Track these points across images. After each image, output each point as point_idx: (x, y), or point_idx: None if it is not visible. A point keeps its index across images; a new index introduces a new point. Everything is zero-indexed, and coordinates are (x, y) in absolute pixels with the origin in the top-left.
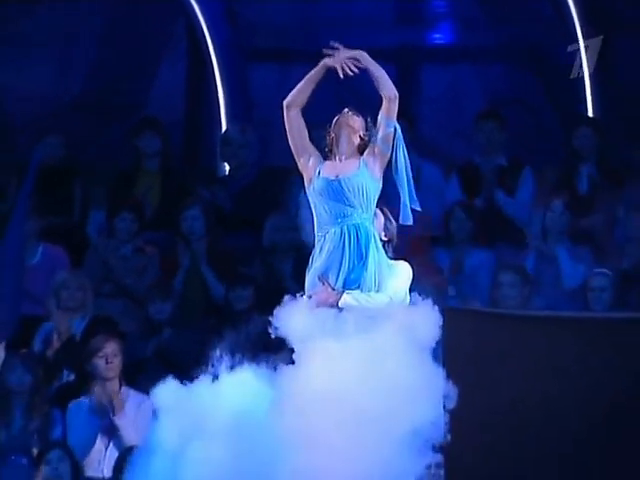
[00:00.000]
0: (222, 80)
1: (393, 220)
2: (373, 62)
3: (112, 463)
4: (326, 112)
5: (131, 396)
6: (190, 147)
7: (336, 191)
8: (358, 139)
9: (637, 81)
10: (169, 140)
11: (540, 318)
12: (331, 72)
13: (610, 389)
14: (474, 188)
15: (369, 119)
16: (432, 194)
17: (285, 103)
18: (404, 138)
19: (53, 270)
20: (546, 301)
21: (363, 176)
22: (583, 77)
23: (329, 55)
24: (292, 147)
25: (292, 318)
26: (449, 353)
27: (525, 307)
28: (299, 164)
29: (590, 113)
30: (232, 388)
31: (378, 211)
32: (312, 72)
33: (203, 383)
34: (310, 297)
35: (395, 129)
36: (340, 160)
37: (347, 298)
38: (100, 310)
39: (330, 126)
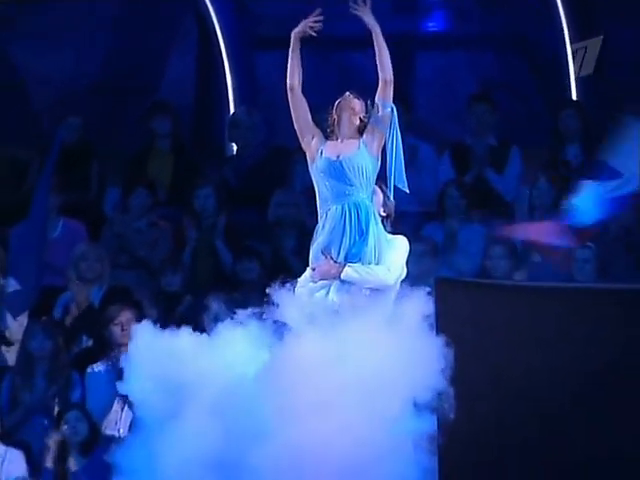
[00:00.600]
0: (230, 66)
1: (391, 196)
2: (383, 42)
3: (128, 423)
4: (328, 97)
5: None
6: (200, 128)
7: (337, 170)
8: (358, 121)
9: (618, 66)
10: (180, 122)
11: (529, 288)
12: (333, 61)
13: (594, 358)
14: (466, 166)
15: (369, 101)
16: (427, 172)
17: (288, 86)
18: (400, 120)
19: (72, 243)
20: (532, 271)
21: (363, 156)
22: (567, 63)
23: (356, 9)
24: (296, 127)
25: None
26: (441, 322)
27: (513, 277)
28: (302, 143)
29: (574, 97)
30: (217, 342)
31: (377, 188)
32: (290, 48)
33: (186, 333)
34: (314, 269)
35: (392, 110)
36: (341, 140)
37: (348, 270)
38: (116, 280)
39: (332, 108)
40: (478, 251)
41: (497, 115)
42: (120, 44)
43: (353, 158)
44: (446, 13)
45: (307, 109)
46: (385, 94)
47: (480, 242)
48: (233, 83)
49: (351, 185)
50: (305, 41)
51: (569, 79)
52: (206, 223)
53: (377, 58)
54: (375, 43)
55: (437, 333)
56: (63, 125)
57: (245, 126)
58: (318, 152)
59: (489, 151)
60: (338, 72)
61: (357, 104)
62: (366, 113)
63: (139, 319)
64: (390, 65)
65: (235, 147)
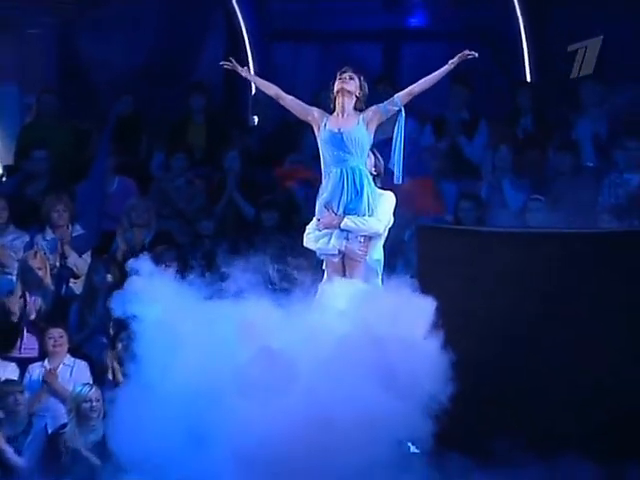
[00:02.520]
0: (252, 54)
1: (381, 159)
2: (440, 77)
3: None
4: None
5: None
6: (228, 104)
7: (338, 141)
8: (354, 98)
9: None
10: (212, 99)
11: (499, 233)
12: (335, 52)
13: (550, 291)
14: (443, 135)
15: (362, 78)
16: (410, 141)
17: (274, 97)
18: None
19: (126, 197)
20: (495, 220)
21: (360, 131)
22: (522, 51)
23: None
24: (297, 115)
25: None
26: (421, 263)
27: (480, 225)
28: (307, 121)
29: (528, 78)
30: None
31: (370, 152)
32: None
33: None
34: (319, 220)
35: (401, 110)
36: (342, 116)
37: (347, 221)
38: (161, 227)
39: (333, 85)
40: (451, 204)
41: (469, 94)
42: (163, 35)
43: (352, 131)
44: (426, 11)
45: (297, 101)
46: (404, 98)
47: (452, 196)
48: (254, 68)
49: (349, 153)
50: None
51: (524, 64)
52: (233, 180)
53: (427, 79)
54: (436, 75)
55: (418, 272)
56: (118, 101)
57: (264, 103)
58: (322, 125)
59: (461, 123)
60: (339, 62)
61: (352, 85)
62: (360, 89)
63: (178, 258)
64: (425, 87)
65: (256, 119)
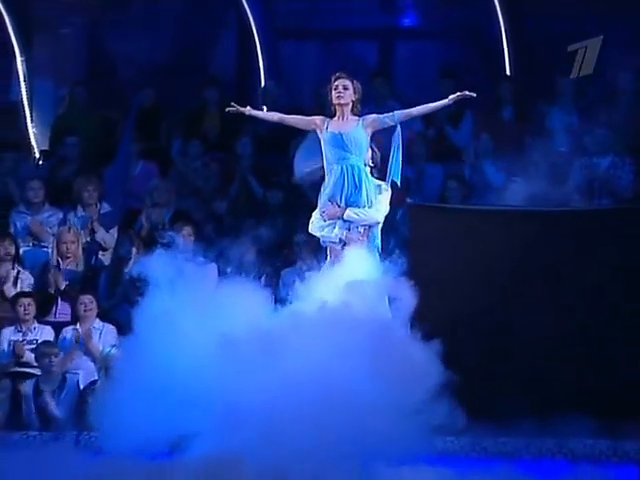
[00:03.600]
0: (261, 51)
1: (377, 151)
2: (434, 109)
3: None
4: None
5: (201, 262)
6: (240, 96)
7: (339, 141)
8: (351, 104)
9: (543, 47)
10: (225, 91)
11: (481, 210)
12: (335, 49)
13: (542, 263)
14: (431, 123)
15: (354, 82)
16: (403, 128)
17: (277, 121)
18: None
19: (148, 178)
20: (478, 200)
21: (359, 133)
22: (503, 47)
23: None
24: (303, 128)
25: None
26: (414, 239)
27: (464, 203)
28: (312, 129)
29: (508, 73)
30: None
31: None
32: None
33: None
34: (324, 212)
35: (397, 127)
36: (342, 120)
37: (349, 212)
38: (179, 206)
39: (331, 84)
40: (438, 185)
41: (455, 87)
42: (181, 34)
43: (351, 133)
44: (418, 12)
45: (298, 117)
46: (402, 117)
47: (439, 178)
48: (263, 63)
49: (349, 152)
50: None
51: (504, 59)
52: (244, 164)
53: (426, 107)
54: (435, 106)
55: (410, 246)
56: (140, 93)
57: (273, 94)
58: (325, 128)
59: (448, 112)
60: (340, 59)
61: (347, 96)
62: (355, 94)
63: (195, 232)
64: (423, 113)
65: (265, 109)
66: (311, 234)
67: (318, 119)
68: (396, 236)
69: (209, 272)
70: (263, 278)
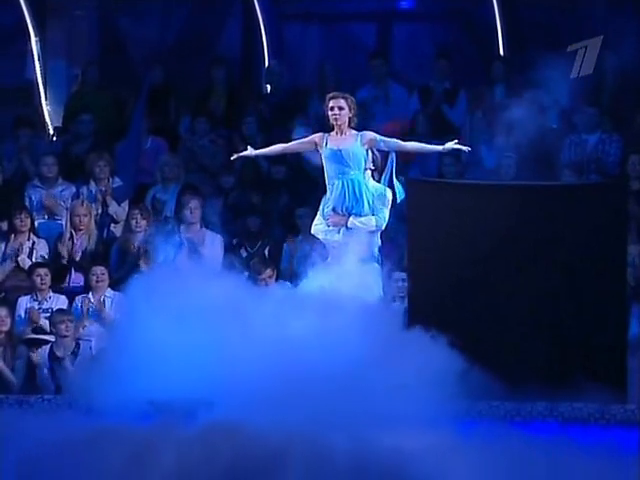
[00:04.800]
0: (265, 33)
1: (378, 155)
2: (416, 149)
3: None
4: (333, 59)
5: (207, 234)
6: (245, 75)
7: (338, 157)
8: (347, 122)
9: (535, 27)
10: (231, 71)
11: (477, 185)
12: (337, 32)
13: (532, 233)
14: (428, 102)
15: (349, 100)
16: (400, 106)
17: (282, 152)
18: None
19: (158, 154)
20: (473, 175)
21: (357, 148)
22: (497, 28)
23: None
24: (304, 150)
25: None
26: (412, 212)
27: (460, 178)
28: (314, 150)
29: (501, 53)
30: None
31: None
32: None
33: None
34: (328, 219)
35: (392, 154)
36: (341, 135)
37: (353, 220)
38: (188, 180)
39: (327, 103)
40: (435, 161)
41: (451, 67)
42: (191, 16)
43: (350, 149)
44: None
45: (298, 142)
46: (397, 147)
47: (436, 154)
48: (267, 44)
49: (348, 167)
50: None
51: (497, 40)
52: (249, 140)
53: (421, 147)
54: (428, 148)
55: (408, 219)
56: (151, 73)
57: (276, 74)
58: (324, 144)
59: (444, 92)
60: (341, 41)
61: (344, 116)
62: (350, 110)
63: (203, 206)
64: (415, 151)
65: (269, 88)
66: (313, 208)
67: (317, 137)
68: (394, 209)
69: (215, 243)
70: (266, 249)
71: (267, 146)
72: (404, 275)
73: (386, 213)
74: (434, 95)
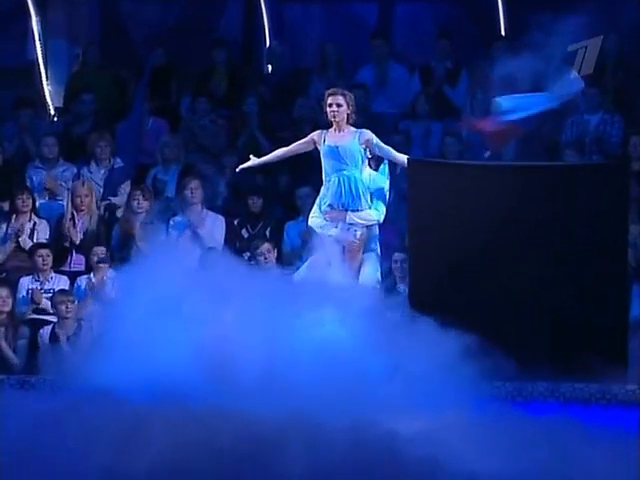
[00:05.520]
0: (267, 14)
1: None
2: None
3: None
4: (335, 36)
5: (209, 215)
6: (246, 56)
7: (335, 154)
8: (346, 118)
9: (536, 6)
10: (232, 52)
11: (478, 165)
12: (339, 11)
13: (534, 213)
14: (429, 82)
15: (348, 96)
16: (401, 86)
17: (282, 156)
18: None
19: (159, 134)
20: (474, 156)
21: (355, 146)
22: (498, 8)
23: None
24: (305, 151)
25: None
26: (414, 192)
27: (460, 158)
28: (313, 148)
29: (502, 33)
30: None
31: (369, 136)
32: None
33: None
34: (326, 214)
35: (386, 163)
36: (339, 132)
37: (351, 215)
38: (188, 160)
39: (325, 105)
40: (437, 141)
41: (452, 46)
42: None
43: (347, 146)
44: None
45: (298, 143)
46: (388, 157)
47: (438, 134)
48: (268, 25)
49: (345, 164)
50: None
51: (499, 20)
52: (250, 121)
53: (401, 162)
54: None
55: (409, 199)
56: (152, 53)
57: (277, 54)
58: (322, 141)
59: (446, 72)
60: (342, 21)
61: (342, 112)
62: (349, 107)
63: (203, 186)
64: (400, 164)
65: (270, 68)
66: (314, 189)
67: (315, 135)
68: (396, 189)
69: (216, 224)
70: (268, 230)
71: (268, 128)
72: (404, 256)
73: (383, 207)
74: (435, 75)
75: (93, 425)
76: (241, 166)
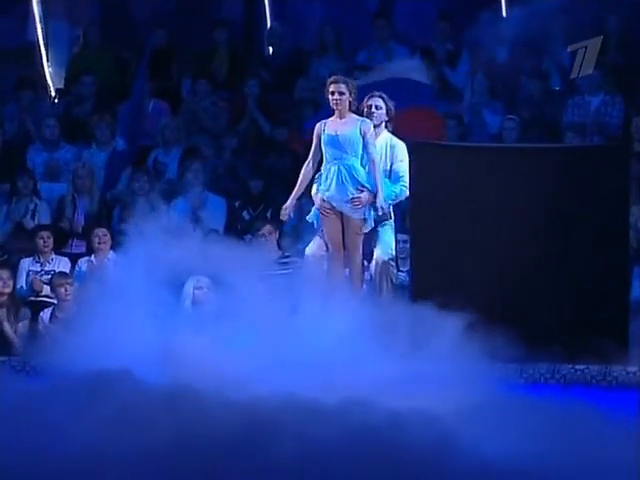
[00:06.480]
0: None
1: (391, 103)
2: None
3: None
4: (336, 18)
5: (209, 197)
6: (247, 37)
7: (335, 142)
8: (348, 106)
9: None
10: (233, 33)
11: (480, 147)
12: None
13: (534, 195)
14: (430, 64)
15: (349, 84)
16: (402, 68)
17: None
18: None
19: (160, 116)
20: (475, 138)
21: (355, 135)
22: None
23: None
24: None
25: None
26: (415, 175)
27: (461, 140)
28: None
29: (504, 14)
30: None
31: (380, 99)
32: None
33: None
34: (352, 199)
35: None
36: (340, 119)
37: (380, 200)
38: (189, 142)
39: (327, 92)
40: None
41: (453, 28)
42: None
43: (347, 134)
44: None
45: (313, 153)
46: (370, 161)
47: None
48: (269, 6)
49: (344, 152)
50: None
51: (501, 2)
52: (251, 102)
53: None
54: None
55: (411, 181)
56: (153, 35)
57: (278, 35)
58: (322, 131)
59: (447, 53)
60: (343, 2)
61: (344, 100)
62: (351, 94)
63: (205, 167)
64: (373, 175)
65: (271, 50)
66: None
67: (316, 130)
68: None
69: (217, 206)
70: (269, 212)
71: (269, 110)
72: (406, 237)
73: (407, 177)
74: (436, 57)
75: (83, 407)
76: (285, 206)
